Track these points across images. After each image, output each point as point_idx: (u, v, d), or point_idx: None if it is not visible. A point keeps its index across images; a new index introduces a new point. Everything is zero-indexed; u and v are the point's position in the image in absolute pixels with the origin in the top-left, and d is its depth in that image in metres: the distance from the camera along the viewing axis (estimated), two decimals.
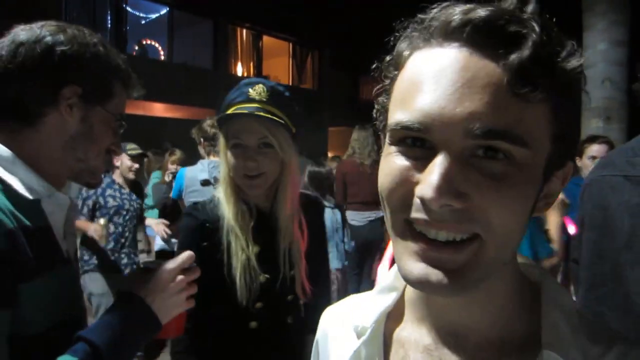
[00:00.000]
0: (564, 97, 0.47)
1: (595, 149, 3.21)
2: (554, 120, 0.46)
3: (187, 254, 1.04)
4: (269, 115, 1.31)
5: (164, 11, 12.09)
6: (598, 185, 1.37)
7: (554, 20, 0.48)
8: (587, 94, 0.51)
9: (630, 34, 5.00)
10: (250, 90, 1.34)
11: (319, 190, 3.70)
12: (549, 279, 0.56)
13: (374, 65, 0.54)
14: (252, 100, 1.33)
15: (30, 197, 0.89)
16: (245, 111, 1.31)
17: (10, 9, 5.12)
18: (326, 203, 3.65)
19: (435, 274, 0.46)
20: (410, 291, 0.61)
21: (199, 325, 1.33)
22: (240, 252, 1.34)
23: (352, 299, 0.70)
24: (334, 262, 3.64)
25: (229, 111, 1.34)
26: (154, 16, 12.12)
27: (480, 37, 0.45)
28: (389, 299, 0.62)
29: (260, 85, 1.35)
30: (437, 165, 0.44)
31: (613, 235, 1.28)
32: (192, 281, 1.04)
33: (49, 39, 0.91)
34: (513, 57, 0.43)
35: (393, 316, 0.61)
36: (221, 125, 1.39)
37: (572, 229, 2.22)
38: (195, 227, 1.39)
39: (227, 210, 1.38)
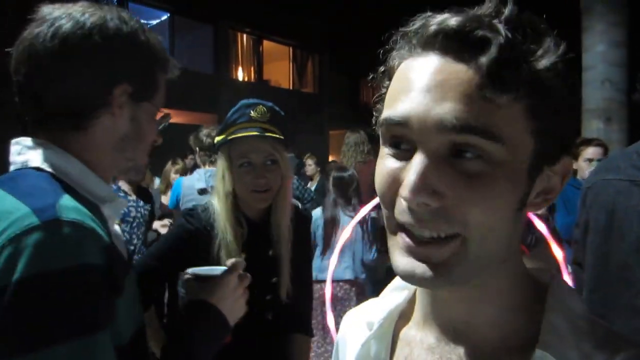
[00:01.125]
0: (540, 94, 0.47)
1: (590, 152, 3.36)
2: (532, 116, 0.48)
3: (239, 261, 1.11)
4: (275, 135, 1.47)
5: (164, 17, 12.14)
6: (603, 189, 1.37)
7: (553, 21, 0.49)
8: (576, 89, 0.52)
9: (629, 35, 5.01)
10: (251, 112, 1.48)
11: (343, 198, 3.42)
12: (558, 283, 0.56)
13: (370, 77, 0.58)
14: (256, 121, 1.48)
15: (96, 204, 0.85)
16: (255, 132, 1.45)
17: (9, 11, 5.10)
18: (346, 212, 3.39)
19: (420, 267, 0.49)
20: (418, 290, 0.62)
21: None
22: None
23: (370, 302, 0.72)
24: (347, 273, 3.37)
25: (232, 130, 1.48)
26: (154, 22, 12.17)
27: (451, 44, 0.48)
28: (400, 297, 0.64)
29: (261, 107, 1.50)
30: (414, 165, 0.47)
31: (621, 238, 1.29)
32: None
33: (97, 37, 0.82)
34: (481, 60, 0.46)
35: (404, 315, 0.63)
36: (221, 145, 1.51)
37: (541, 226, 2.19)
38: (189, 234, 1.49)
39: (222, 227, 1.47)
